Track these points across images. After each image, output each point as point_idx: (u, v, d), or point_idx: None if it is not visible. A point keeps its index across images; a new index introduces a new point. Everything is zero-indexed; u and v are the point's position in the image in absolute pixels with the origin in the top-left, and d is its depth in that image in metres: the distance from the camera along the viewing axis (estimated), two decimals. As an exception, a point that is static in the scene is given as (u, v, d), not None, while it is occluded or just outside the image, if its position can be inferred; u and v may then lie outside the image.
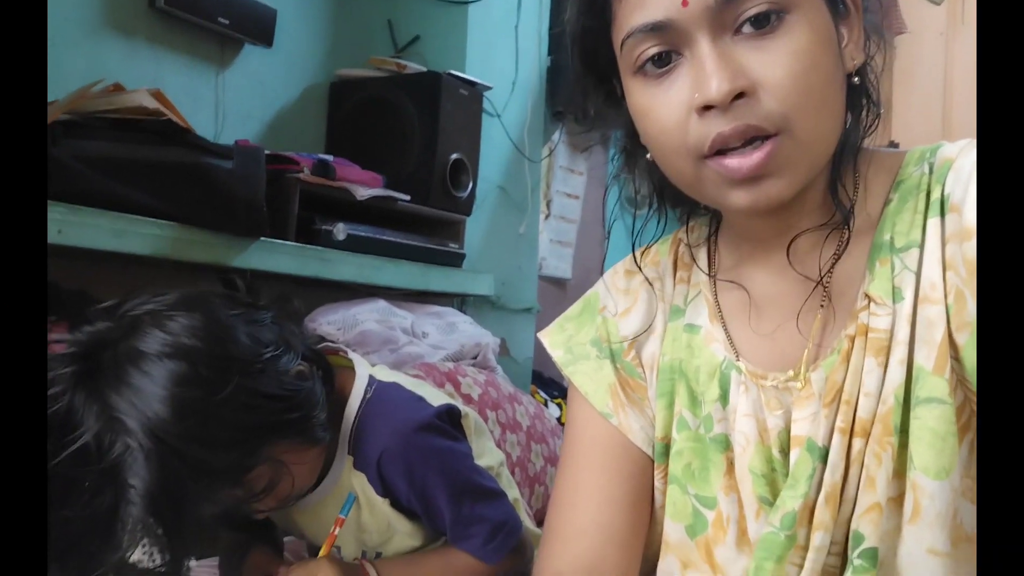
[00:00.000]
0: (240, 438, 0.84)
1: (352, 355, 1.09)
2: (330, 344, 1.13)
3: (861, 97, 0.67)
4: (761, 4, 0.59)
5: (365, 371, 1.05)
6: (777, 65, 0.59)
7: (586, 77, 0.73)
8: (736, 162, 0.60)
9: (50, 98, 1.41)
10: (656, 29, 0.61)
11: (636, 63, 0.64)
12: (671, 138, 0.63)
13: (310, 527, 1.06)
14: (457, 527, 1.00)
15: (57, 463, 0.79)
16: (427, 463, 0.98)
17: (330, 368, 1.01)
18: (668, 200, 0.77)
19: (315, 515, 1.03)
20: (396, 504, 1.01)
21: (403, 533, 1.03)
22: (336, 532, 0.97)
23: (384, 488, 0.99)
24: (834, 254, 0.68)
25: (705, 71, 0.60)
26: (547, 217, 2.76)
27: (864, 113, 0.68)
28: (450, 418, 1.05)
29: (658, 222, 0.78)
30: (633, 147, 0.73)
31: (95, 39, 1.66)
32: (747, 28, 0.60)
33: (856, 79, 0.66)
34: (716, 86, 0.59)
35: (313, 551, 1.10)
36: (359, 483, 1.00)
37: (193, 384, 0.80)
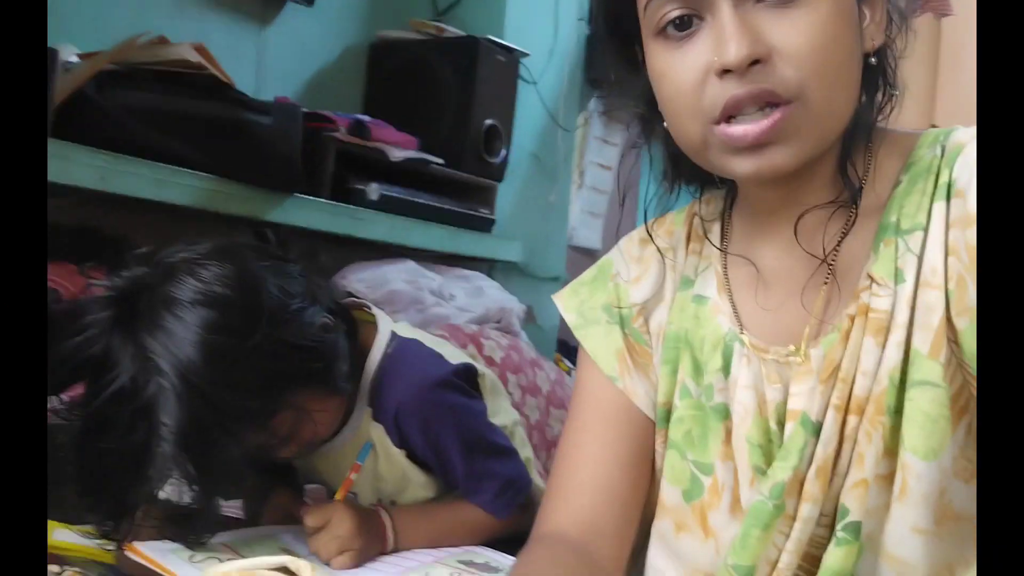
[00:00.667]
0: (265, 384, 0.87)
1: (375, 311, 1.12)
2: (355, 300, 1.16)
3: (878, 77, 0.68)
4: None
5: (387, 327, 1.08)
6: (797, 34, 0.60)
7: (609, 41, 0.74)
8: (741, 130, 0.61)
9: (97, 48, 1.45)
10: None
11: (658, 25, 0.64)
12: (686, 100, 0.64)
13: (330, 473, 1.11)
14: (469, 481, 1.04)
15: (95, 400, 0.84)
16: (442, 418, 1.01)
17: (354, 322, 1.05)
18: (683, 172, 0.78)
19: (334, 462, 1.07)
20: (411, 456, 1.05)
21: (417, 484, 1.07)
22: (352, 477, 1.01)
23: (400, 440, 1.03)
24: (840, 231, 0.69)
25: (725, 35, 0.60)
26: (579, 187, 2.77)
27: (880, 94, 0.68)
28: (467, 376, 1.08)
29: (670, 192, 0.79)
30: (650, 114, 0.74)
31: (142, -8, 1.70)
32: None
33: (874, 59, 0.67)
34: (735, 51, 0.60)
35: (332, 496, 1.15)
36: (377, 434, 1.04)
37: (223, 331, 0.84)
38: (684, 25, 0.63)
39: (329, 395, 0.97)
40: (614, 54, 0.74)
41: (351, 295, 1.66)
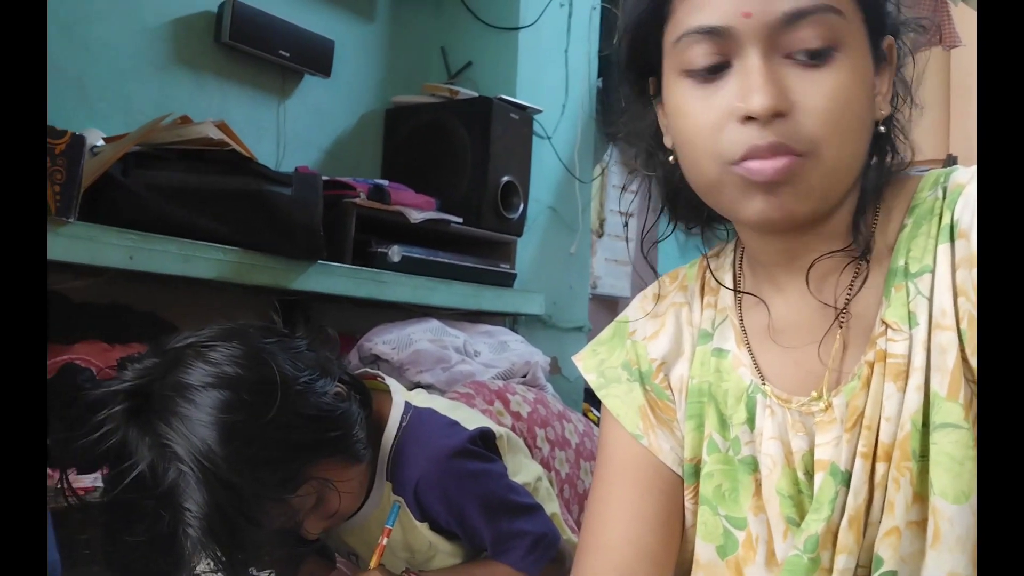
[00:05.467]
0: (285, 458, 0.88)
1: (389, 380, 1.13)
2: (368, 370, 1.18)
3: (886, 144, 0.69)
4: (817, 40, 0.62)
5: (401, 398, 1.09)
6: (820, 93, 0.62)
7: (629, 69, 0.74)
8: (759, 164, 0.62)
9: (123, 131, 1.50)
10: (712, 33, 0.63)
11: (685, 63, 0.65)
12: (705, 140, 0.65)
13: (359, 546, 1.11)
14: (498, 543, 1.04)
15: (116, 494, 0.85)
16: (462, 488, 1.02)
17: (366, 391, 1.06)
18: (680, 210, 0.79)
19: (361, 536, 1.08)
20: (435, 527, 1.05)
21: (444, 553, 1.07)
22: (384, 542, 1.01)
23: (422, 513, 1.03)
24: (851, 280, 0.70)
25: (752, 83, 0.62)
26: (600, 236, 2.79)
27: (889, 158, 0.70)
28: (483, 441, 1.08)
29: (665, 226, 0.79)
30: (655, 148, 0.75)
31: (165, 74, 1.76)
32: (800, 56, 0.62)
33: (883, 127, 0.68)
34: (761, 101, 0.61)
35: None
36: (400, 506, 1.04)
37: (237, 410, 0.85)
38: (713, 67, 0.64)
39: (349, 463, 0.97)
40: (630, 84, 0.75)
41: (378, 357, 1.69)
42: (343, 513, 1.00)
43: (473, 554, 1.09)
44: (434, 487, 1.01)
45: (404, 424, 1.05)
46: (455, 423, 1.07)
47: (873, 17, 0.65)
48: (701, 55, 0.64)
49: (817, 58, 0.62)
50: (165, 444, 0.84)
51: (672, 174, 0.74)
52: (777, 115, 0.62)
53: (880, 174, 0.69)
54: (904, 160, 0.70)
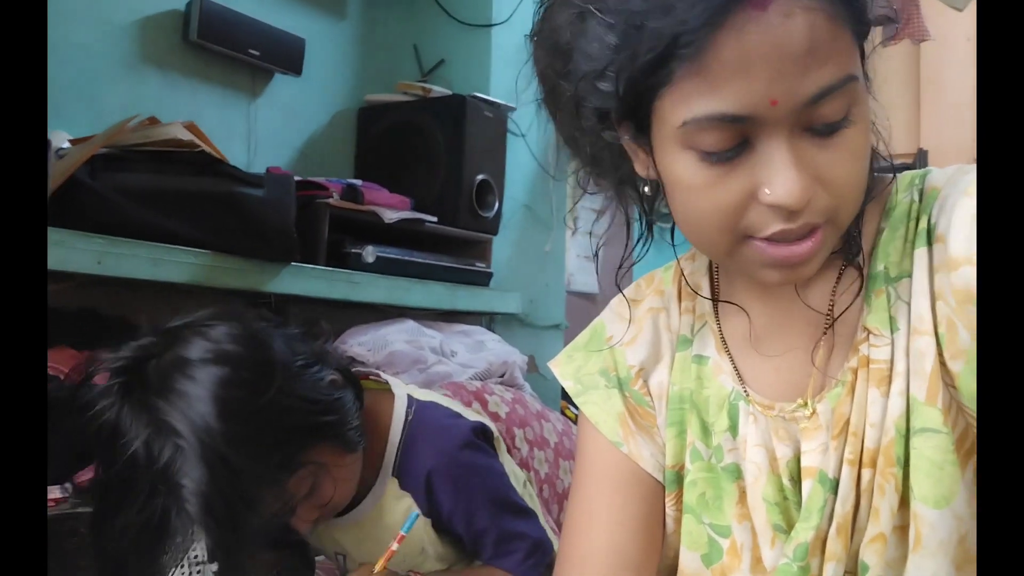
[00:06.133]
0: (281, 440, 0.88)
1: (387, 377, 1.12)
2: (362, 369, 1.17)
3: (874, 155, 0.67)
4: (839, 112, 0.58)
5: (403, 392, 1.09)
6: (840, 164, 0.59)
7: (595, 112, 0.65)
8: (787, 251, 0.61)
9: (90, 132, 1.47)
10: (735, 120, 0.57)
11: (696, 143, 0.59)
12: (724, 218, 0.61)
13: (350, 545, 1.10)
14: (500, 544, 1.04)
15: (109, 472, 0.84)
16: (471, 480, 1.02)
17: (359, 384, 1.05)
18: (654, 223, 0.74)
19: (354, 533, 1.07)
20: (436, 524, 1.04)
21: (433, 557, 1.06)
22: (395, 548, 1.00)
23: (430, 506, 1.03)
24: (834, 288, 0.70)
25: (780, 171, 0.58)
26: (574, 233, 2.78)
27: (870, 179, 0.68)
28: (484, 436, 1.09)
29: (644, 244, 0.74)
30: (627, 180, 0.71)
31: (133, 74, 1.73)
32: (818, 127, 0.58)
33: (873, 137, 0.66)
34: (797, 195, 0.57)
35: (347, 567, 1.13)
36: (406, 504, 1.03)
37: (236, 387, 0.85)
38: (731, 151, 0.59)
39: (344, 451, 0.97)
40: (594, 121, 0.66)
41: (354, 360, 1.67)
42: (336, 503, 0.99)
43: (460, 560, 1.08)
44: (445, 478, 1.01)
45: (409, 418, 1.05)
46: (458, 414, 1.08)
47: (862, 41, 0.62)
48: (718, 141, 0.58)
49: (836, 127, 0.59)
50: (162, 419, 0.83)
51: (649, 202, 0.72)
52: None
53: (871, 185, 0.68)
54: (886, 159, 0.69)
